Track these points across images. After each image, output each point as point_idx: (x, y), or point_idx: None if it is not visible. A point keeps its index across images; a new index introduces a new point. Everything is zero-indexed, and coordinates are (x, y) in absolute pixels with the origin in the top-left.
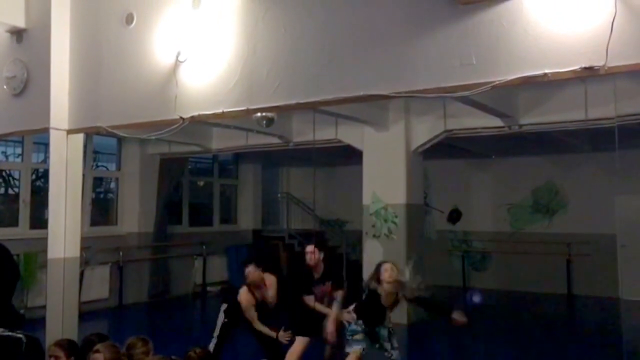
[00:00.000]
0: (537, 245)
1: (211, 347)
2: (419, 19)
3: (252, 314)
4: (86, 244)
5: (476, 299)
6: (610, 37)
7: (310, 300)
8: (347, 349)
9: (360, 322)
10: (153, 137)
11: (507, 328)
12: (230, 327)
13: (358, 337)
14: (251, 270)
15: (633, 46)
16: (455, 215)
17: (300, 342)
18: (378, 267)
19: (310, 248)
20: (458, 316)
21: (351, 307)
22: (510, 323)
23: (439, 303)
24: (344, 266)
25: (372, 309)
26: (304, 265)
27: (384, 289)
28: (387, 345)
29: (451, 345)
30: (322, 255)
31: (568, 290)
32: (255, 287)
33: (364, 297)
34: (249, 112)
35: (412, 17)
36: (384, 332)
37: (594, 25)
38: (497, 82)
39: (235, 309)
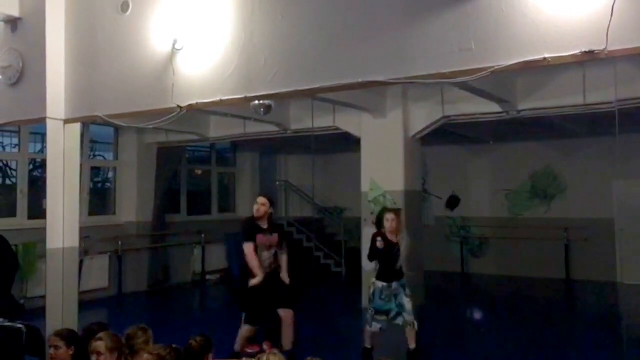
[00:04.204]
0: (536, 231)
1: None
2: (417, 4)
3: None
4: (85, 234)
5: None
6: (610, 20)
7: (249, 247)
8: (368, 327)
9: (384, 296)
10: (150, 126)
11: (506, 313)
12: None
13: (379, 316)
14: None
15: (634, 30)
16: (453, 202)
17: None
18: (380, 215)
19: (262, 200)
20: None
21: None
22: (509, 308)
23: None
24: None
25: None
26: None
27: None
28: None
29: (450, 331)
30: (271, 210)
31: (567, 275)
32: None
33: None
34: (246, 100)
35: (410, 2)
36: (392, 307)
37: (594, 9)
38: (497, 68)
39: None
